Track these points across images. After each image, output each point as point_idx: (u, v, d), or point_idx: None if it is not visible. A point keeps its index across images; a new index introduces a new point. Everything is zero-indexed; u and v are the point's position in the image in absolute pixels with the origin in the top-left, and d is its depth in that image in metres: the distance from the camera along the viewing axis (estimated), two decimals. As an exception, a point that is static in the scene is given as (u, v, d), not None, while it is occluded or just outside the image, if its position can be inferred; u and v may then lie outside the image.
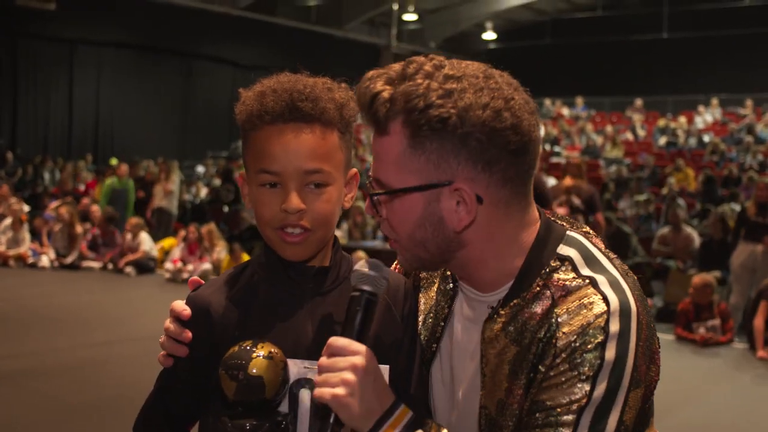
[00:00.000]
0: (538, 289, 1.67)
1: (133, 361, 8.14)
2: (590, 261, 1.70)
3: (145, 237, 15.09)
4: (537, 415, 1.61)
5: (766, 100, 25.64)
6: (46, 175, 23.36)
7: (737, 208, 13.93)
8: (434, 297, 1.90)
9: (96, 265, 15.26)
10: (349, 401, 1.55)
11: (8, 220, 15.72)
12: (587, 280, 1.65)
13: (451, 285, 1.86)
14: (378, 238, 14.40)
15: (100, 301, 12.15)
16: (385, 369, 1.73)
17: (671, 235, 13.09)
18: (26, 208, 17.14)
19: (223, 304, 1.80)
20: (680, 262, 12.68)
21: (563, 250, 1.71)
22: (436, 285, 1.91)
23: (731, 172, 19.28)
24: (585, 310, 1.60)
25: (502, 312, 1.70)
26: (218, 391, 1.69)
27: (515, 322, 1.68)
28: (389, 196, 1.67)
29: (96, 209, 16.43)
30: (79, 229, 15.53)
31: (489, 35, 33.69)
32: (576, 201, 10.90)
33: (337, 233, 1.90)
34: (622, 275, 1.69)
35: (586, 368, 1.57)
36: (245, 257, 13.14)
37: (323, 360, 1.58)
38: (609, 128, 25.44)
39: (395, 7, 29.74)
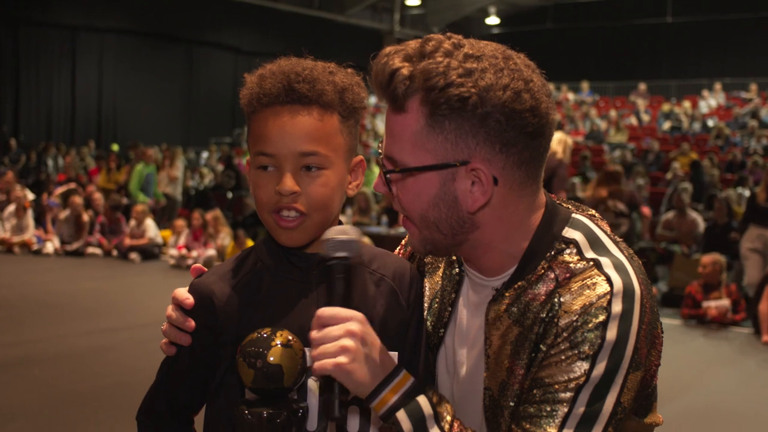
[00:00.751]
0: (542, 271, 1.67)
1: (138, 347, 8.16)
2: (595, 244, 1.69)
3: (150, 223, 15.11)
4: (535, 391, 1.61)
5: (769, 84, 25.60)
6: (50, 162, 23.36)
7: (746, 192, 13.91)
8: (439, 282, 1.89)
9: (100, 251, 15.28)
10: (353, 367, 1.55)
11: (12, 207, 15.73)
12: (591, 263, 1.64)
13: (457, 270, 1.86)
14: (383, 223, 14.38)
15: (104, 287, 12.17)
16: (393, 355, 1.73)
17: (676, 220, 13.07)
18: (30, 195, 17.14)
19: (227, 292, 1.78)
20: (685, 246, 12.67)
21: (569, 233, 1.71)
22: (441, 270, 1.91)
23: (735, 156, 19.23)
24: (588, 291, 1.60)
25: (507, 294, 1.70)
26: (234, 379, 1.69)
27: (518, 303, 1.68)
28: (402, 174, 1.66)
29: (99, 197, 16.43)
30: (86, 217, 15.56)
31: (492, 20, 33.61)
32: (620, 206, 10.98)
33: (342, 219, 1.88)
34: (627, 258, 1.68)
35: (587, 347, 1.57)
36: (249, 243, 13.14)
37: (315, 333, 1.56)
38: (613, 113, 25.38)
39: (398, -9, 29.70)
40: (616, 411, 1.59)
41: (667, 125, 24.59)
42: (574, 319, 1.58)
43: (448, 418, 1.63)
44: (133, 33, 29.52)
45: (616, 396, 1.58)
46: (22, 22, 27.04)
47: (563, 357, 1.59)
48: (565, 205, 1.81)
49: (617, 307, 1.58)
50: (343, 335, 1.55)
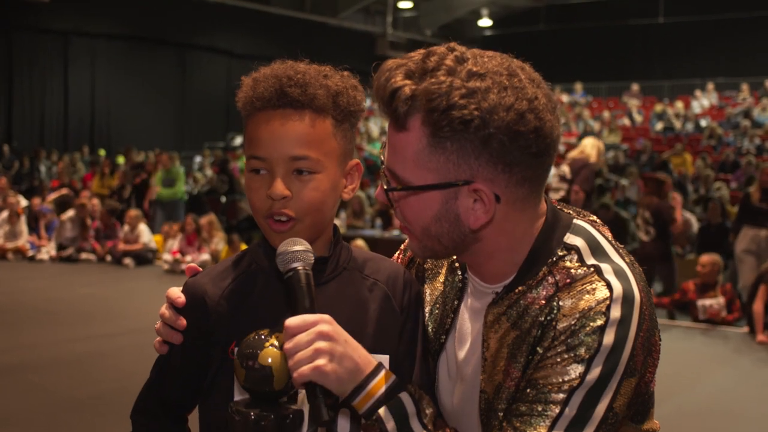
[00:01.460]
0: (542, 276, 1.67)
1: (132, 353, 8.14)
2: (596, 250, 1.70)
3: (143, 229, 15.09)
4: (528, 390, 1.62)
5: (761, 84, 25.60)
6: (42, 168, 23.32)
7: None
8: (440, 288, 1.89)
9: (94, 257, 15.26)
10: (332, 367, 1.55)
11: (5, 213, 15.71)
12: (592, 269, 1.65)
13: (459, 277, 1.86)
14: (377, 226, 14.38)
15: (98, 293, 12.15)
16: (384, 359, 1.73)
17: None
18: (23, 201, 17.12)
19: (219, 293, 1.79)
20: (679, 247, 12.69)
21: (570, 239, 1.71)
22: (443, 276, 1.91)
23: (728, 156, 19.26)
24: (588, 295, 1.60)
25: (506, 297, 1.70)
26: (227, 379, 1.69)
27: (517, 307, 1.68)
28: (406, 191, 1.66)
29: (96, 203, 16.41)
30: (89, 221, 15.56)
31: (484, 22, 33.63)
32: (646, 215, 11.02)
33: (336, 222, 1.88)
34: (628, 265, 1.68)
35: (583, 350, 1.57)
36: (244, 248, 13.13)
37: (287, 344, 1.55)
38: (606, 114, 25.40)
39: (390, -6, 29.73)
40: (608, 416, 1.59)
41: (660, 126, 24.63)
42: (573, 322, 1.59)
43: (428, 411, 1.64)
44: (126, 38, 29.47)
45: (609, 401, 1.59)
46: (14, 27, 26.97)
47: (559, 359, 1.59)
48: (566, 210, 1.81)
49: (616, 312, 1.58)
50: (314, 338, 1.55)
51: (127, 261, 14.68)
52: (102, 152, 24.76)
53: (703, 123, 23.93)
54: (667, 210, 11.60)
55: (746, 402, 7.45)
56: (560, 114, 1.68)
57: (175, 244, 14.47)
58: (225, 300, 1.79)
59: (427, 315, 1.90)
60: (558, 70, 29.46)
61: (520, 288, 1.69)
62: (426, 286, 1.93)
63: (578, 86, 28.56)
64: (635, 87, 28.50)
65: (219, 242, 14.24)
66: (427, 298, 1.91)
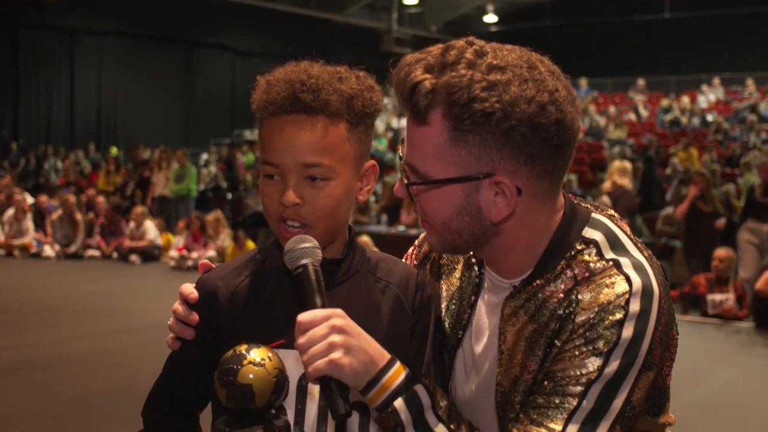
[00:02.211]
0: (561, 269, 1.67)
1: (138, 350, 8.15)
2: (615, 244, 1.69)
3: (149, 225, 15.10)
4: (546, 383, 1.61)
5: (767, 78, 25.55)
6: (46, 165, 23.38)
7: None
8: (457, 284, 1.89)
9: (99, 254, 15.28)
10: (346, 360, 1.53)
11: (11, 211, 15.73)
12: (611, 263, 1.64)
13: (476, 272, 1.85)
14: (383, 222, 14.38)
15: (104, 290, 12.16)
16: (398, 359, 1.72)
17: (676, 215, 13.04)
18: (29, 198, 17.15)
19: (231, 290, 1.80)
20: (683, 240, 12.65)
21: (589, 233, 1.71)
22: (459, 271, 1.90)
23: (735, 151, 19.22)
24: (607, 289, 1.60)
25: (524, 290, 1.70)
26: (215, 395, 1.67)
27: (535, 300, 1.68)
28: (427, 185, 1.65)
29: (102, 200, 16.42)
30: (79, 216, 15.55)
31: (490, 18, 33.58)
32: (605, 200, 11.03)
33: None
34: (646, 259, 1.68)
35: (601, 344, 1.57)
36: (250, 245, 13.16)
37: (300, 340, 1.54)
38: (612, 109, 25.35)
39: (396, -10, 29.69)
40: (625, 410, 1.59)
41: (666, 120, 24.58)
42: (591, 316, 1.59)
43: (443, 404, 1.63)
44: (132, 35, 29.52)
45: (627, 395, 1.58)
46: (20, 25, 27.02)
47: (577, 352, 1.59)
48: (584, 204, 1.80)
49: (635, 306, 1.58)
50: (328, 332, 1.54)
51: (133, 258, 14.70)
52: (114, 150, 24.75)
53: (710, 118, 23.87)
54: (628, 198, 11.60)
55: (754, 397, 7.44)
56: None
57: (180, 240, 14.48)
58: (237, 297, 1.79)
59: (443, 311, 1.89)
60: (564, 66, 28.98)
61: (538, 281, 1.69)
62: (442, 282, 1.93)
63: (583, 81, 28.52)
64: (641, 82, 28.44)
65: (225, 239, 14.25)
66: (444, 293, 1.91)
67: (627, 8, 31.59)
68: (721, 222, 11.74)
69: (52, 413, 6.44)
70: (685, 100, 25.71)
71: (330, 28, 29.98)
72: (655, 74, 29.98)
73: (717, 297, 10.26)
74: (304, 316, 1.56)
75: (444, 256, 1.96)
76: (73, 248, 15.30)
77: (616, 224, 1.75)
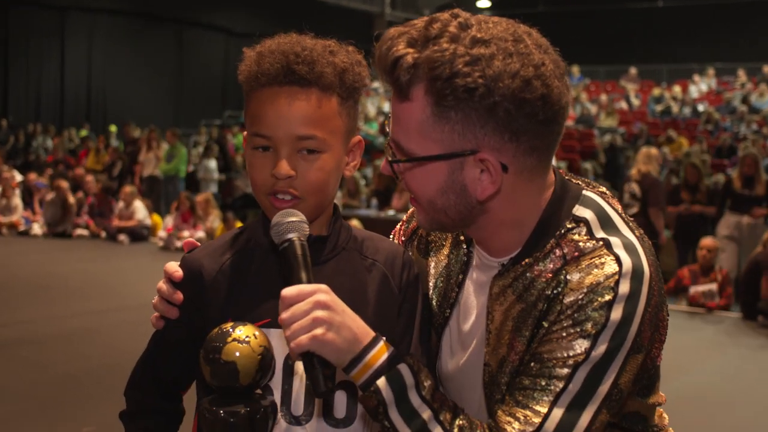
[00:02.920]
0: (550, 248, 1.65)
1: (125, 329, 8.13)
2: (606, 223, 1.67)
3: (138, 205, 15.06)
4: (532, 364, 1.60)
5: (759, 69, 25.55)
6: (35, 143, 23.28)
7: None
8: (445, 261, 1.87)
9: (88, 233, 15.25)
10: (330, 336, 1.51)
11: (0, 188, 15.68)
12: (601, 242, 1.62)
13: (464, 250, 1.83)
14: (372, 206, 14.37)
15: (92, 269, 12.14)
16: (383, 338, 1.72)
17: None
18: (18, 176, 17.09)
19: (216, 268, 1.78)
20: (672, 230, 12.67)
21: (579, 211, 1.68)
22: (447, 248, 1.88)
23: (725, 141, 19.24)
24: (596, 270, 1.58)
25: (512, 269, 1.68)
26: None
27: (523, 279, 1.66)
28: (411, 162, 1.63)
29: (91, 179, 16.37)
30: (72, 201, 15.50)
31: (483, 3, 33.46)
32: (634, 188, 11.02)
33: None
34: (638, 239, 1.66)
35: (589, 326, 1.55)
36: (239, 225, 13.13)
37: (284, 314, 1.52)
38: (603, 97, 25.35)
39: (389, -26, 29.58)
40: (612, 393, 1.58)
41: (657, 109, 24.58)
42: (580, 297, 1.57)
43: (427, 384, 1.60)
44: (123, 13, 29.37)
45: (614, 378, 1.57)
46: (10, 1, 26.86)
47: (564, 334, 1.57)
48: (575, 181, 1.78)
49: (624, 287, 1.56)
50: (312, 308, 1.51)
51: (122, 237, 14.66)
52: (113, 128, 24.60)
53: (701, 108, 23.88)
54: (658, 187, 11.60)
55: (741, 387, 7.48)
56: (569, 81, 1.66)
57: (169, 221, 14.45)
58: (222, 275, 1.77)
59: (431, 288, 1.87)
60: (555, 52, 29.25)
61: (526, 260, 1.67)
62: (430, 258, 1.91)
63: (575, 69, 28.49)
64: (633, 71, 28.41)
65: (215, 220, 14.22)
66: (431, 271, 1.89)
67: (620, -4, 31.55)
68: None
69: (39, 390, 6.44)
70: (677, 89, 25.71)
71: (323, 11, 29.83)
72: (648, 63, 29.94)
73: (700, 288, 10.31)
74: (288, 291, 1.53)
75: (432, 232, 1.93)
76: (61, 227, 15.25)
77: (608, 202, 1.73)
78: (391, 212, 13.42)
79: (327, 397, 1.58)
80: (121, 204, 15.15)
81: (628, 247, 1.61)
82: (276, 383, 1.72)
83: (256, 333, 1.60)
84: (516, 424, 1.57)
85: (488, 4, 33.69)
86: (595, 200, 1.72)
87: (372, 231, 1.95)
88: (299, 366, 1.69)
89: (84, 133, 24.50)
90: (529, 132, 1.56)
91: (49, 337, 7.99)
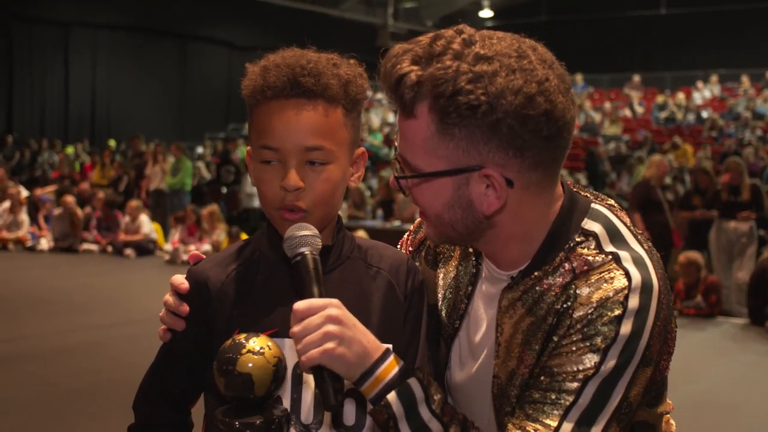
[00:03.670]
0: (559, 262, 1.65)
1: (131, 343, 8.14)
2: (615, 237, 1.67)
3: (144, 219, 15.09)
4: (542, 378, 1.60)
5: (763, 75, 25.55)
6: (40, 159, 23.32)
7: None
8: (454, 272, 1.87)
9: (95, 247, 15.27)
10: (341, 351, 1.52)
11: (6, 204, 15.71)
12: (610, 256, 1.62)
13: (473, 262, 1.84)
14: (378, 217, 14.38)
15: (98, 283, 12.15)
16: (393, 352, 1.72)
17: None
18: (24, 191, 17.12)
19: (222, 279, 1.78)
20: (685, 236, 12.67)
21: (588, 224, 1.68)
22: (456, 260, 1.88)
23: (730, 147, 19.23)
24: (606, 284, 1.58)
25: (521, 282, 1.68)
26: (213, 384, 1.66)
27: (533, 292, 1.66)
28: (417, 178, 1.64)
29: (101, 195, 16.39)
30: (79, 216, 15.55)
31: (486, 13, 33.56)
32: None
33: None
34: (646, 252, 1.66)
35: (599, 340, 1.55)
36: (244, 238, 13.15)
37: (295, 328, 1.53)
38: (607, 105, 25.38)
39: (391, -15, 29.66)
40: (621, 406, 1.58)
41: (661, 117, 24.59)
42: (590, 311, 1.57)
43: (437, 397, 1.61)
44: (126, 28, 29.47)
45: (624, 391, 1.57)
46: (14, 17, 26.98)
47: (574, 348, 1.57)
48: (583, 193, 1.78)
49: (634, 302, 1.56)
50: (324, 322, 1.52)
51: (128, 251, 14.68)
52: (112, 142, 24.69)
53: (705, 114, 23.89)
54: (635, 189, 11.66)
55: (748, 393, 7.46)
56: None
57: (176, 234, 14.47)
58: (227, 287, 1.78)
59: (440, 299, 1.87)
60: (559, 61, 29.24)
61: (535, 274, 1.67)
62: (439, 270, 1.91)
63: (578, 77, 28.52)
64: (636, 78, 28.45)
65: (221, 233, 14.23)
66: (440, 282, 1.89)
67: (623, 4, 31.58)
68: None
69: (45, 404, 6.43)
70: (680, 96, 25.72)
71: (326, 23, 29.93)
72: (651, 70, 29.99)
73: (690, 304, 10.37)
74: (300, 305, 1.54)
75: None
76: (69, 241, 15.29)
77: (616, 215, 1.73)
78: (396, 223, 13.43)
79: (336, 410, 1.59)
80: (127, 218, 15.17)
81: (637, 261, 1.61)
82: (285, 392, 1.72)
83: (270, 344, 1.60)
84: None
85: (491, 14, 33.78)
86: (603, 213, 1.72)
87: (373, 240, 1.96)
88: (308, 376, 1.70)
89: (71, 150, 24.50)
90: (534, 147, 1.56)
91: (55, 351, 7.99)
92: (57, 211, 15.71)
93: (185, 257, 13.52)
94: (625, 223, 1.72)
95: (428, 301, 1.88)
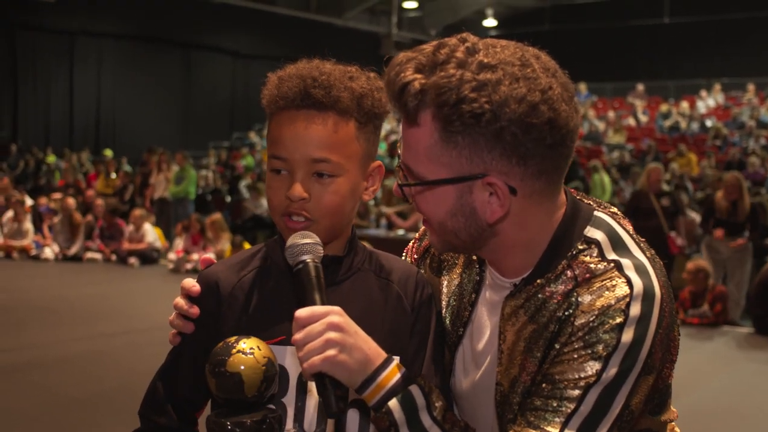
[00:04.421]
0: (561, 270, 1.65)
1: (136, 352, 8.15)
2: (617, 245, 1.67)
3: (148, 228, 15.11)
4: (544, 385, 1.60)
5: (767, 84, 25.55)
6: (44, 168, 23.36)
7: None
8: (458, 280, 1.88)
9: (99, 256, 15.28)
10: (342, 358, 1.53)
11: (10, 213, 15.73)
12: (612, 264, 1.62)
13: (476, 270, 1.84)
14: (382, 226, 14.37)
15: (102, 292, 12.16)
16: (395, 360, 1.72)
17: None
18: (29, 200, 17.15)
19: (233, 283, 1.80)
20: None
21: (591, 232, 1.68)
22: (459, 267, 1.89)
23: (734, 156, 19.23)
24: (608, 292, 1.58)
25: (524, 290, 1.69)
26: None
27: (535, 300, 1.66)
28: (420, 186, 1.64)
29: (100, 202, 16.43)
30: (79, 218, 15.55)
31: (489, 22, 33.59)
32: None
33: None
34: (649, 260, 1.66)
35: (600, 348, 1.55)
36: (247, 247, 13.14)
37: (297, 335, 1.54)
38: (611, 114, 25.39)
39: (395, -6, 29.70)
40: (623, 414, 1.58)
41: (665, 125, 24.59)
42: (591, 319, 1.57)
43: (438, 405, 1.62)
44: (131, 37, 29.53)
45: (625, 399, 1.57)
46: (19, 26, 27.04)
47: (576, 355, 1.57)
48: (586, 201, 1.78)
49: (636, 310, 1.56)
50: (325, 329, 1.53)
51: (132, 260, 14.70)
52: (108, 152, 24.73)
53: (709, 123, 23.88)
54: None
55: (753, 402, 7.44)
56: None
57: (180, 243, 14.48)
58: (238, 291, 1.79)
59: (444, 307, 1.88)
60: (562, 70, 29.24)
61: (538, 281, 1.67)
62: (443, 277, 1.91)
63: (582, 86, 28.52)
64: (640, 87, 28.47)
65: (225, 242, 14.24)
66: (444, 289, 1.89)
67: (626, 13, 31.60)
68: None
69: (49, 414, 6.44)
70: (684, 105, 25.72)
71: (330, 32, 29.97)
72: (655, 79, 29.99)
73: (696, 312, 10.35)
74: (302, 312, 1.55)
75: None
76: (73, 249, 15.30)
77: (619, 223, 1.73)
78: (400, 232, 13.42)
79: (338, 417, 1.59)
80: (131, 227, 15.19)
81: (640, 269, 1.61)
82: (290, 400, 1.73)
83: (260, 345, 1.62)
84: None
85: (495, 23, 33.82)
86: (606, 221, 1.72)
87: (381, 250, 1.96)
88: (312, 383, 1.70)
89: (109, 152, 24.53)
90: (537, 156, 1.57)
91: (59, 360, 7.99)
92: (57, 219, 15.74)
93: (189, 266, 13.57)
94: (627, 231, 1.72)
95: (435, 310, 1.88)
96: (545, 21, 32.78)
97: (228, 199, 19.45)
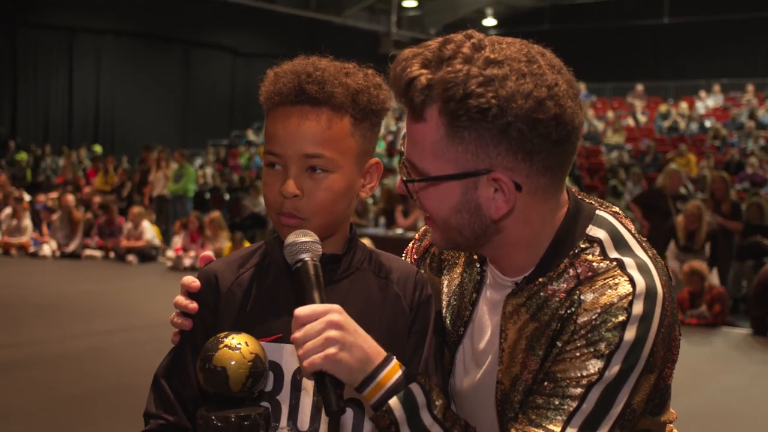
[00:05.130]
0: (564, 268, 1.65)
1: (134, 349, 8.15)
2: (619, 243, 1.67)
3: (146, 226, 15.10)
4: (546, 383, 1.60)
5: (766, 85, 25.54)
6: (43, 164, 23.33)
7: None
8: (458, 279, 1.88)
9: (97, 253, 15.28)
10: (342, 356, 1.53)
11: (8, 209, 15.73)
12: (614, 263, 1.62)
13: (478, 269, 1.84)
14: (380, 225, 14.36)
15: (101, 289, 12.16)
16: (395, 357, 1.72)
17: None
18: (27, 197, 17.14)
19: (232, 279, 1.80)
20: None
21: (593, 231, 1.69)
22: (460, 266, 1.89)
23: (733, 157, 19.23)
24: (610, 290, 1.58)
25: (526, 288, 1.69)
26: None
27: (537, 298, 1.66)
28: (425, 181, 1.64)
29: (98, 199, 16.43)
30: (78, 215, 15.54)
31: (489, 21, 33.56)
32: None
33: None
34: (651, 259, 1.66)
35: (603, 346, 1.56)
36: (247, 245, 13.13)
37: (297, 333, 1.53)
38: (610, 114, 25.37)
39: (395, -7, 29.67)
40: (625, 412, 1.58)
41: (664, 126, 24.58)
42: (594, 317, 1.57)
43: (439, 403, 1.62)
44: (131, 34, 29.54)
45: (627, 398, 1.57)
46: (19, 23, 27.03)
47: (578, 354, 1.57)
48: (588, 200, 1.78)
49: (638, 308, 1.56)
50: (325, 327, 1.53)
51: (131, 258, 14.69)
52: (98, 148, 24.70)
53: (708, 124, 23.87)
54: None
55: (752, 403, 7.44)
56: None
57: (178, 241, 14.48)
58: (237, 287, 1.79)
59: (444, 307, 1.88)
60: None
61: (540, 279, 1.67)
62: (443, 277, 1.91)
63: (582, 86, 28.46)
64: (640, 87, 28.45)
65: (223, 240, 14.24)
66: (444, 289, 1.89)
67: (626, 13, 31.58)
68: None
69: (48, 411, 6.43)
70: (684, 105, 25.71)
71: (329, 30, 29.95)
72: (654, 79, 29.98)
73: (694, 313, 10.36)
74: (301, 311, 1.55)
75: (445, 251, 1.94)
76: (72, 246, 15.30)
77: (621, 222, 1.73)
78: (399, 231, 13.42)
79: (338, 415, 1.59)
80: (129, 224, 15.18)
81: (642, 268, 1.62)
82: (284, 398, 1.73)
83: (249, 341, 1.62)
84: None
85: (494, 23, 33.80)
86: (608, 220, 1.72)
87: (380, 249, 1.96)
88: (306, 381, 1.70)
89: (98, 148, 24.50)
90: (543, 152, 1.57)
91: (57, 357, 7.99)
92: (55, 216, 15.73)
93: (188, 263, 13.57)
94: (629, 230, 1.72)
95: (434, 310, 1.88)
96: (545, 20, 32.74)
97: (227, 197, 19.44)
